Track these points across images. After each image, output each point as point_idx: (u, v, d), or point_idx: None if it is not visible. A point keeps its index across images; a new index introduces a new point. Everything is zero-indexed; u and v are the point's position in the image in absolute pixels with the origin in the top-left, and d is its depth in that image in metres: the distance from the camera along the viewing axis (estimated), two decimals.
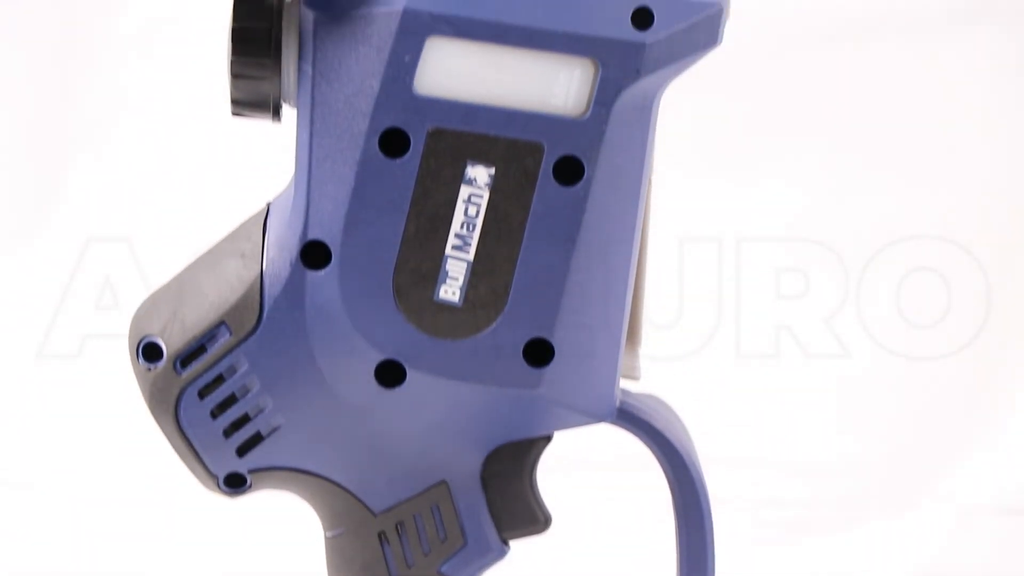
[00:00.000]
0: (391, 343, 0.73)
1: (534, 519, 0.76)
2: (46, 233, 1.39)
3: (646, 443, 0.76)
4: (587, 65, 0.72)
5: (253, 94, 0.73)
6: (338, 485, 0.75)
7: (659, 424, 0.77)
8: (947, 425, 1.33)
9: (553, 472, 0.78)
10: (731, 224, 1.32)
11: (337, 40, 0.72)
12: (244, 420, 0.74)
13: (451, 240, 0.72)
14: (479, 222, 0.72)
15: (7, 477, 1.29)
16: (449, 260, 0.72)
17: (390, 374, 0.73)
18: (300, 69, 0.73)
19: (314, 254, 0.73)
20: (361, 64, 0.72)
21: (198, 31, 1.33)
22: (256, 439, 0.74)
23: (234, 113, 0.75)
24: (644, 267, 0.76)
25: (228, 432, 0.73)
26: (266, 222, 0.75)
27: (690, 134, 1.27)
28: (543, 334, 0.73)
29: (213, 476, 0.74)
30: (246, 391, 0.74)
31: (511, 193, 0.72)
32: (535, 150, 0.72)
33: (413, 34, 0.71)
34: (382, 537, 0.75)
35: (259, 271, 0.74)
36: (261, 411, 0.74)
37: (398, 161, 0.72)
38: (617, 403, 0.74)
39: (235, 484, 0.75)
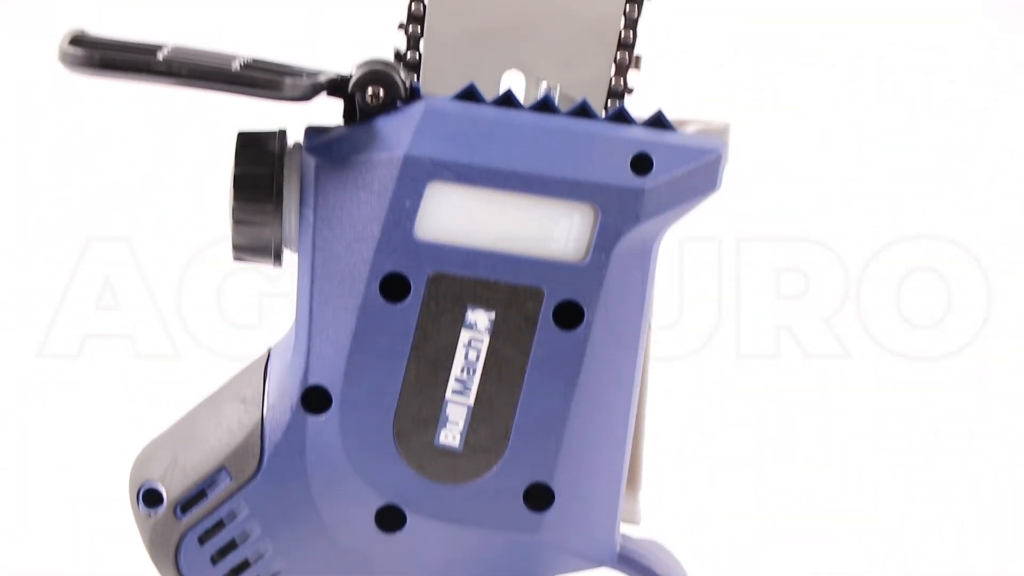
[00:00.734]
0: (392, 488, 0.73)
1: None
2: (46, 233, 1.39)
3: None
4: (587, 210, 0.72)
5: (255, 240, 0.74)
6: None
7: (660, 570, 0.77)
8: (947, 425, 1.33)
9: None
10: (731, 224, 1.32)
11: (338, 186, 0.72)
12: (244, 566, 0.74)
13: (451, 384, 0.72)
14: (479, 366, 0.72)
15: (7, 477, 1.29)
16: (449, 404, 0.72)
17: (390, 519, 0.73)
18: (301, 215, 0.73)
19: (315, 399, 0.73)
20: (362, 209, 0.72)
21: (198, 31, 1.33)
22: None
23: (236, 258, 0.75)
24: (644, 409, 0.76)
25: None
26: (267, 367, 0.76)
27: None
28: (543, 478, 0.73)
29: None
30: (246, 536, 0.74)
31: (511, 338, 0.72)
32: (535, 295, 0.72)
33: (414, 180, 0.71)
34: None
35: (260, 416, 0.74)
36: (261, 556, 0.74)
37: (399, 306, 0.72)
38: (617, 547, 0.74)
39: None
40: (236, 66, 0.72)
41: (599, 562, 0.74)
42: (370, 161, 0.72)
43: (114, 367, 1.29)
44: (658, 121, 0.75)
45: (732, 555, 1.21)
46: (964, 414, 1.33)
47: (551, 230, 0.72)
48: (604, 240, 0.72)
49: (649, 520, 0.91)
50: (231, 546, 0.74)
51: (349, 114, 0.75)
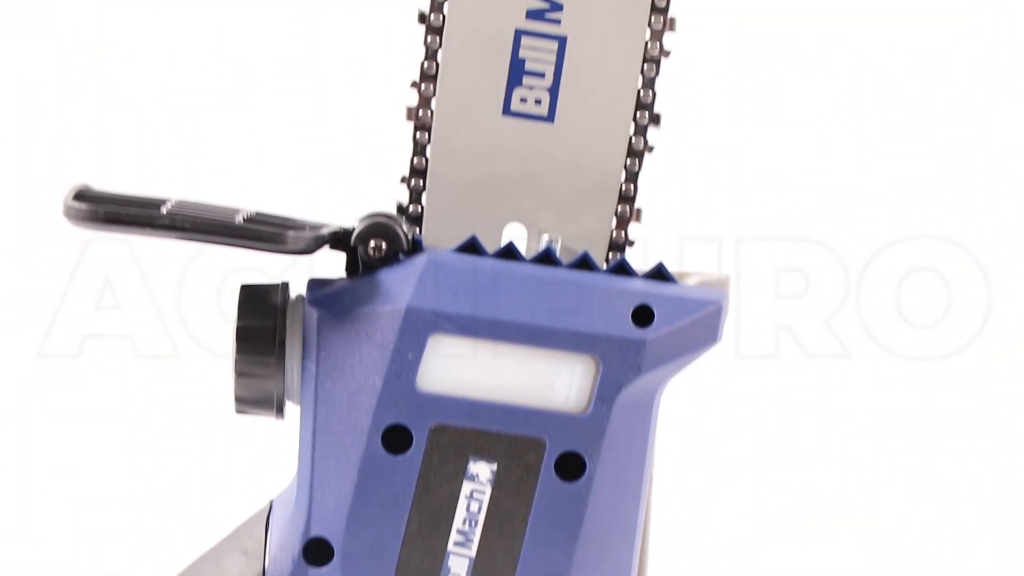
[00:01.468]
0: None
1: None
2: (46, 233, 1.39)
3: None
4: (588, 362, 0.72)
5: (257, 392, 0.74)
6: None
7: None
8: (947, 425, 1.32)
9: None
10: (731, 224, 1.32)
11: (340, 338, 0.73)
12: None
13: (453, 536, 0.73)
14: (481, 518, 0.73)
15: (7, 477, 1.29)
16: (451, 556, 0.73)
17: None
18: (303, 367, 0.74)
19: (317, 551, 0.73)
20: (364, 362, 0.73)
21: (198, 31, 1.33)
22: None
23: (238, 411, 0.76)
24: (646, 560, 0.76)
25: None
26: (268, 519, 0.76)
27: (690, 134, 1.27)
28: None
29: None
30: None
31: (513, 489, 0.72)
32: (537, 446, 0.72)
33: (416, 332, 0.72)
34: None
35: (261, 569, 0.75)
36: None
37: (400, 457, 0.72)
38: None
39: None
40: (239, 219, 0.73)
41: None
42: (372, 313, 0.73)
43: (114, 367, 1.29)
44: (659, 273, 0.76)
45: (732, 555, 1.21)
46: (964, 414, 1.33)
47: (553, 381, 0.73)
48: (606, 391, 0.73)
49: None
50: None
51: (351, 266, 0.77)
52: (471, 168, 0.85)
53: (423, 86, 0.86)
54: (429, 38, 0.86)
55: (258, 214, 0.74)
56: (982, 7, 1.38)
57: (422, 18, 0.86)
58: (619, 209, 0.85)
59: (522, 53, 0.85)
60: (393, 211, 0.83)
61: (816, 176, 1.37)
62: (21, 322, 1.34)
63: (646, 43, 0.85)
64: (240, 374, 0.74)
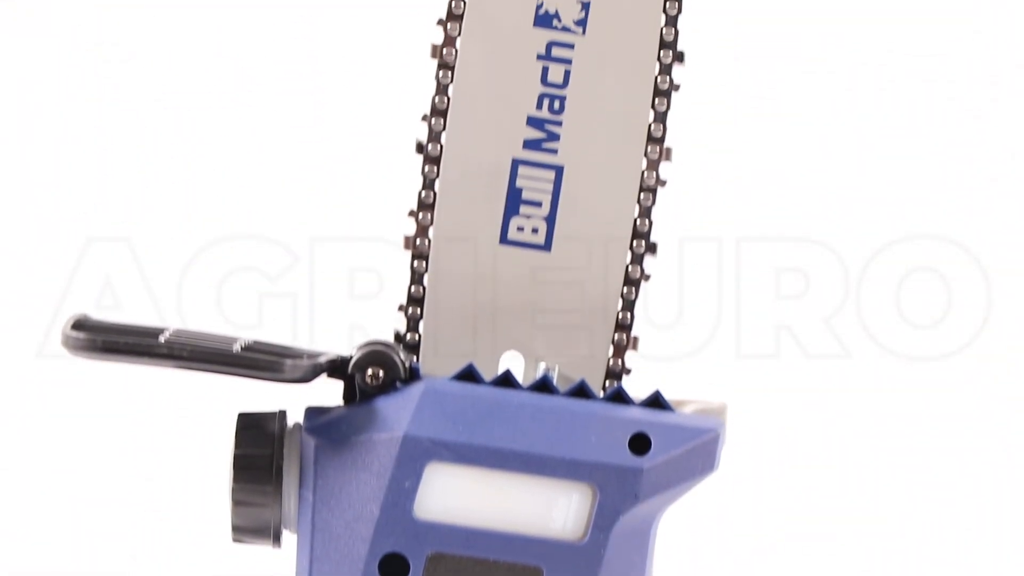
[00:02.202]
0: None
1: None
2: (46, 233, 1.39)
3: None
4: (585, 490, 0.73)
5: (254, 521, 0.75)
6: None
7: None
8: (947, 425, 1.32)
9: None
10: (731, 224, 1.32)
11: (338, 466, 0.74)
12: None
13: None
14: None
15: (7, 477, 1.29)
16: None
17: None
18: (300, 495, 0.74)
19: None
20: (361, 489, 0.73)
21: (198, 31, 1.33)
22: None
23: (235, 540, 0.76)
24: None
25: None
26: None
27: (690, 133, 1.27)
28: None
29: None
30: None
31: None
32: (534, 574, 0.72)
33: (413, 460, 0.72)
34: None
35: None
36: None
37: None
38: None
39: None
40: (236, 348, 0.74)
41: None
42: (370, 441, 0.73)
43: (114, 367, 1.29)
44: (656, 401, 0.76)
45: (732, 555, 1.21)
46: (964, 414, 1.33)
47: (550, 509, 0.73)
48: (603, 520, 0.73)
49: None
50: None
51: (349, 394, 0.77)
52: (468, 296, 0.86)
53: (420, 215, 0.87)
54: (427, 168, 0.87)
55: (256, 343, 0.76)
56: (982, 7, 1.38)
57: (419, 148, 0.87)
58: (616, 337, 0.86)
59: (519, 182, 0.86)
60: (391, 339, 0.84)
61: (816, 176, 1.37)
62: (21, 322, 1.34)
63: (642, 172, 0.86)
64: (237, 503, 0.75)
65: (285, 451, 0.75)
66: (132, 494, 1.26)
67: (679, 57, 0.88)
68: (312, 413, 0.76)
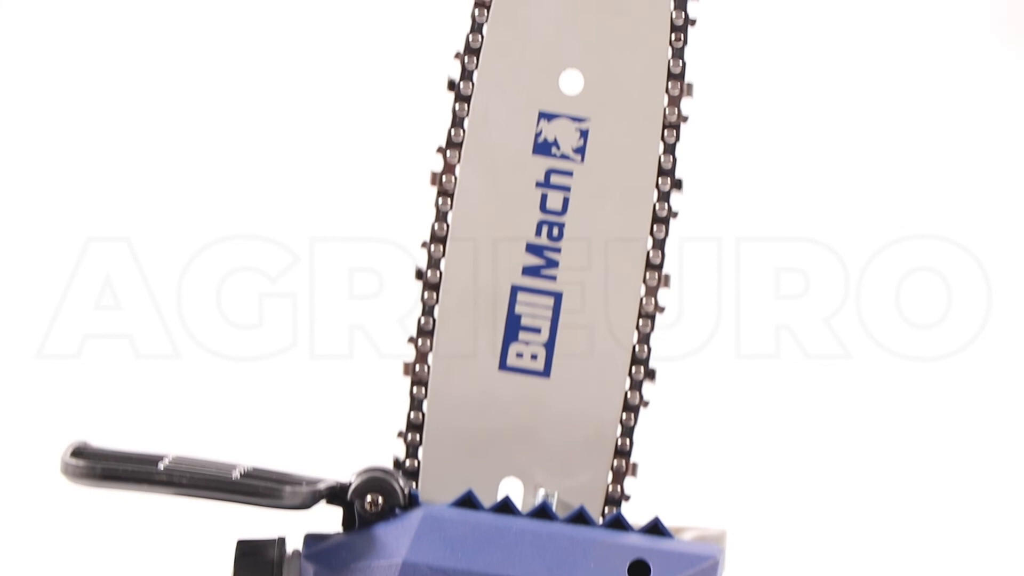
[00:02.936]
0: None
1: None
2: (46, 233, 1.39)
3: None
4: None
5: None
6: None
7: None
8: (947, 425, 1.32)
9: None
10: (731, 224, 1.32)
11: None
12: None
13: None
14: None
15: (7, 477, 1.29)
16: None
17: None
18: None
19: None
20: None
21: (199, 32, 1.33)
22: None
23: None
24: None
25: None
26: None
27: (690, 134, 1.27)
28: None
29: None
30: None
31: None
32: None
33: None
34: None
35: None
36: None
37: None
38: None
39: None
40: (236, 475, 0.75)
41: None
42: (369, 568, 0.74)
43: (114, 367, 1.29)
44: (655, 528, 0.77)
45: (731, 555, 1.21)
46: (964, 414, 1.33)
47: None
48: None
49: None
50: None
51: (348, 520, 0.78)
52: (468, 422, 0.86)
53: (420, 341, 0.87)
54: (426, 294, 0.87)
55: (255, 469, 0.77)
56: (983, 7, 1.38)
57: (419, 274, 0.87)
58: (615, 463, 0.86)
59: (518, 309, 0.86)
60: (390, 466, 0.84)
61: (816, 176, 1.37)
62: (21, 322, 1.34)
63: (641, 299, 0.87)
64: None
65: None
66: (132, 494, 1.26)
67: (677, 184, 0.89)
68: (311, 540, 0.77)
